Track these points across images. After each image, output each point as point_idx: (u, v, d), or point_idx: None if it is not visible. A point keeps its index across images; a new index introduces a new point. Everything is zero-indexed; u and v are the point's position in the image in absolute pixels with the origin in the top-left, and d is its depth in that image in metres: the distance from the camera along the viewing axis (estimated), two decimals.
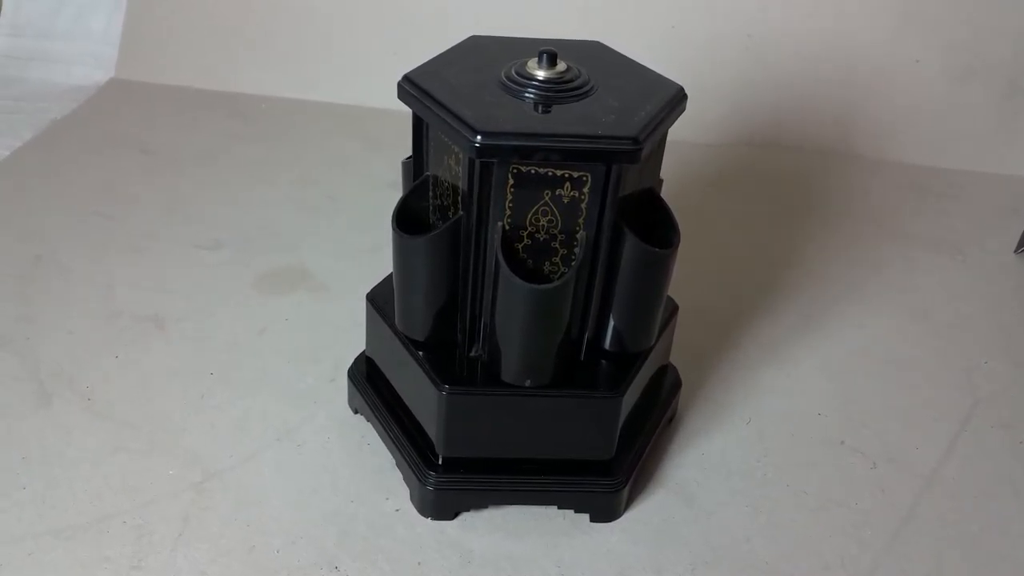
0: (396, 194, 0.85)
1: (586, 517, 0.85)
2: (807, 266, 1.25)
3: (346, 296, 1.11)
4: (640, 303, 0.79)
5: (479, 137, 0.67)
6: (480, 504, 0.85)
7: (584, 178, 0.70)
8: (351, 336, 1.03)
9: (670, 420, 0.96)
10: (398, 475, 0.88)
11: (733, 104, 1.55)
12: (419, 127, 0.78)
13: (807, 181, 1.47)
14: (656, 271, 0.78)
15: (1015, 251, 1.31)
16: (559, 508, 0.86)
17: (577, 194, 0.71)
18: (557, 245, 0.74)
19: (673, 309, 0.92)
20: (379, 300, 0.88)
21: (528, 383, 0.78)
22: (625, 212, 0.75)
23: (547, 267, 0.75)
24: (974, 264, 1.28)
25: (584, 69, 0.76)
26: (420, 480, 0.83)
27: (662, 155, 0.82)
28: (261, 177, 1.38)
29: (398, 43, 1.59)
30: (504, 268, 0.71)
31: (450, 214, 0.77)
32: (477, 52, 0.80)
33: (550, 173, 0.70)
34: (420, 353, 0.82)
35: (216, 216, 1.27)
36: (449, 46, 0.82)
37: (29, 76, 1.63)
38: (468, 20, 1.53)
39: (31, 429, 0.91)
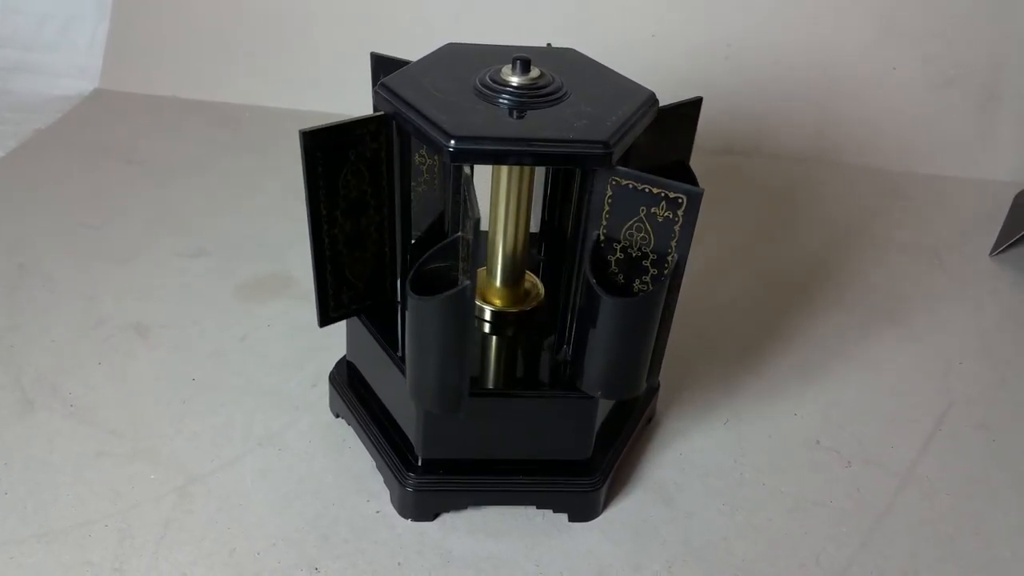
0: None
1: (565, 517, 0.86)
2: (786, 271, 1.26)
3: None
4: (614, 349, 0.75)
5: (453, 141, 0.68)
6: (459, 505, 0.86)
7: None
8: (334, 342, 1.03)
9: (648, 421, 0.97)
10: (379, 478, 0.89)
11: (713, 112, 1.57)
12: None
13: (787, 188, 1.49)
14: (632, 317, 0.74)
15: (990, 254, 1.33)
16: (538, 508, 0.87)
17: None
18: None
19: None
20: None
21: (434, 408, 0.75)
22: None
23: None
24: (951, 267, 1.30)
25: (558, 75, 0.77)
26: (400, 482, 0.84)
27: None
28: (246, 186, 1.39)
29: (382, 53, 1.60)
30: (409, 280, 0.69)
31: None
32: (453, 59, 0.81)
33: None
34: (399, 356, 0.83)
35: (201, 225, 1.28)
36: None
37: (14, 87, 1.64)
38: (453, 29, 1.54)
39: (14, 436, 0.91)
